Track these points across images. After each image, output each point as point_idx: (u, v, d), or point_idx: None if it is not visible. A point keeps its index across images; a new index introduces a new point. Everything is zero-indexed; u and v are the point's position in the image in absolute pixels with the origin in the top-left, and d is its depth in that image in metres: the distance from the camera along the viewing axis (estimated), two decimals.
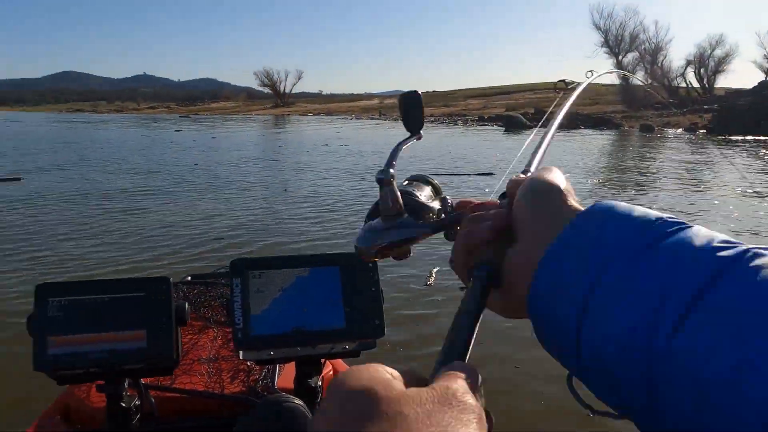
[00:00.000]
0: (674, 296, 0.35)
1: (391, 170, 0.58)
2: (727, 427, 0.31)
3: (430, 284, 4.95)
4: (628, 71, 46.35)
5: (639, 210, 0.42)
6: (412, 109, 0.65)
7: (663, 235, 0.39)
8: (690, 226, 0.39)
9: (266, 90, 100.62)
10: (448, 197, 0.67)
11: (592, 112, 39.25)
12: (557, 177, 0.52)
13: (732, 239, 0.37)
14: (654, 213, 0.41)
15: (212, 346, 1.60)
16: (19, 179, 12.03)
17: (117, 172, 13.63)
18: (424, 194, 0.64)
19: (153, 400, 1.21)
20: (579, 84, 1.08)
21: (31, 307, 1.08)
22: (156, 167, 14.46)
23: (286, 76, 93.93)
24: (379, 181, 0.58)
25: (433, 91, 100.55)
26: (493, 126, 36.37)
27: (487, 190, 10.01)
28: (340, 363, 1.59)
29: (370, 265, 1.16)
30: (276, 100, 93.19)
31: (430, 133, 29.74)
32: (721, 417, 0.31)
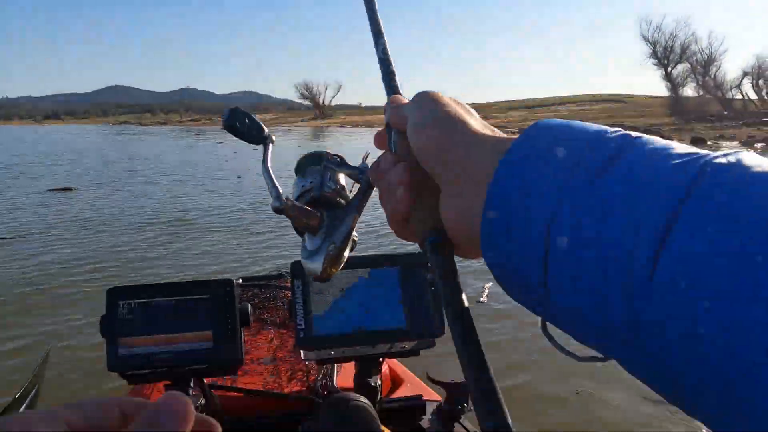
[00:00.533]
0: (653, 211, 0.29)
1: (280, 192, 0.55)
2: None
3: (482, 301, 4.67)
4: (678, 83, 45.74)
5: (578, 124, 0.37)
6: (246, 124, 0.61)
7: (623, 145, 0.34)
8: (641, 136, 0.34)
9: (306, 102, 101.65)
10: (339, 156, 0.63)
11: (638, 124, 38.42)
12: (441, 97, 0.47)
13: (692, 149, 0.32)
14: (596, 126, 0.36)
15: (269, 347, 1.65)
16: (71, 189, 12.22)
17: (163, 182, 13.81)
18: (326, 179, 0.62)
19: (218, 400, 1.23)
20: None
21: (102, 310, 1.10)
22: (201, 179, 14.58)
23: (326, 89, 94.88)
24: (277, 210, 0.56)
25: (473, 103, 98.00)
26: None
27: None
28: (397, 362, 1.62)
29: (429, 265, 1.07)
30: (315, 112, 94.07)
31: None
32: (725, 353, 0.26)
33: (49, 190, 12.10)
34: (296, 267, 1.14)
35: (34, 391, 2.01)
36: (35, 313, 4.53)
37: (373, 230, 7.49)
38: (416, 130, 0.45)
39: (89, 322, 4.12)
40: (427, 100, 0.47)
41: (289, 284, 2.19)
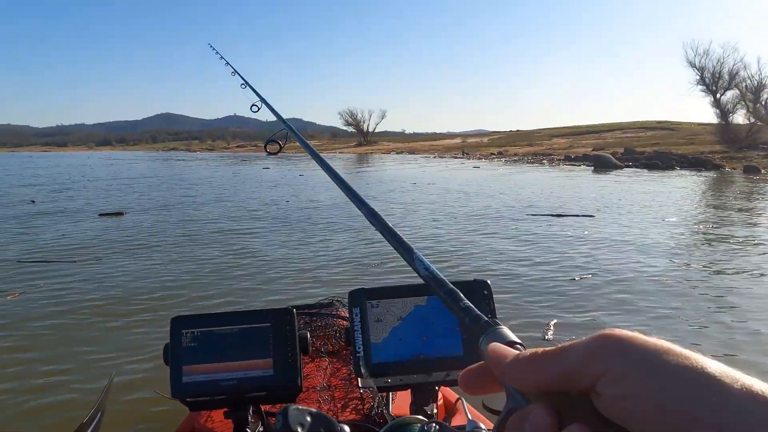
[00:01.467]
0: None
1: None
2: None
3: (549, 338, 4.48)
4: (727, 110, 44.39)
5: None
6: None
7: None
8: None
9: (350, 129, 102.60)
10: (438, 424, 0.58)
11: (687, 152, 37.51)
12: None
13: None
14: None
15: (324, 375, 1.65)
16: (121, 213, 12.52)
17: (212, 208, 13.94)
18: None
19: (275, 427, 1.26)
20: None
21: (164, 337, 1.12)
22: (249, 204, 14.71)
23: (370, 116, 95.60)
24: None
25: (517, 130, 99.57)
26: (581, 165, 35.23)
27: (586, 233, 9.48)
28: (452, 390, 1.59)
29: (486, 292, 1.15)
30: (360, 138, 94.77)
31: (515, 171, 29.19)
32: None
33: (101, 215, 12.40)
34: (354, 295, 1.14)
35: (98, 417, 2.08)
36: (98, 340, 4.59)
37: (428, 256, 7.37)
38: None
39: (151, 349, 4.18)
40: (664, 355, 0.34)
41: (341, 312, 2.20)
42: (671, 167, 31.20)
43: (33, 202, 15.47)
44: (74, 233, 9.92)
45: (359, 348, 1.10)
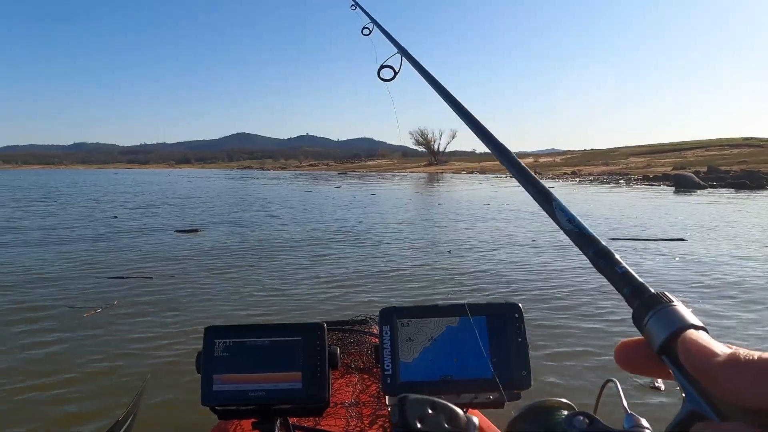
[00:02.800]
0: None
1: None
2: None
3: (657, 386, 3.92)
4: None
5: None
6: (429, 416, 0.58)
7: None
8: None
9: (420, 149, 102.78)
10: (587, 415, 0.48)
11: None
12: None
13: None
14: None
15: (353, 391, 1.67)
16: (196, 231, 12.73)
17: (284, 226, 14.02)
18: None
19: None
20: None
21: (200, 346, 1.15)
22: (321, 224, 14.73)
23: (441, 135, 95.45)
24: None
25: (591, 149, 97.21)
26: (660, 185, 33.75)
27: (677, 258, 8.86)
28: (480, 413, 1.58)
29: (516, 315, 1.14)
30: (430, 158, 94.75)
31: (588, 192, 28.24)
32: None
33: (177, 231, 12.66)
34: (385, 313, 1.13)
35: (131, 419, 2.11)
36: (137, 343, 4.86)
37: (457, 281, 7.08)
38: None
39: (187, 357, 4.34)
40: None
41: (373, 329, 2.21)
42: (762, 186, 29.44)
43: (115, 217, 16.03)
44: (151, 249, 10.12)
45: (388, 366, 1.09)
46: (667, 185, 33.18)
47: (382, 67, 1.40)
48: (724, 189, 29.14)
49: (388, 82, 1.38)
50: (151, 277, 7.54)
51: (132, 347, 4.77)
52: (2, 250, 10.06)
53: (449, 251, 9.77)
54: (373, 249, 10.10)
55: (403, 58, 1.39)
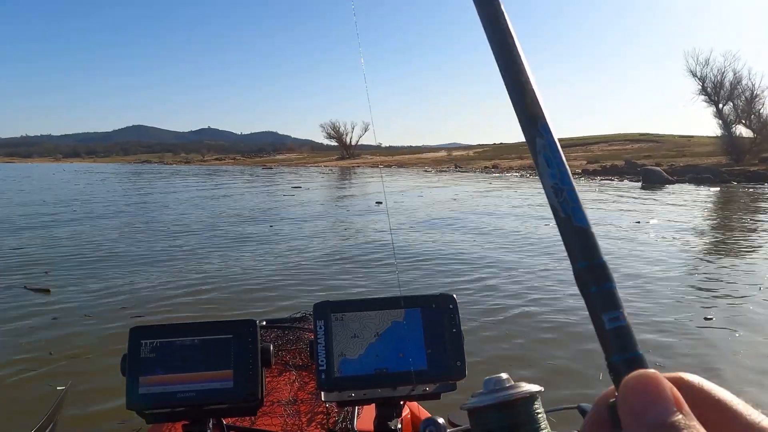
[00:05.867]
0: None
1: None
2: None
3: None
4: (730, 120, 43.03)
5: None
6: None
7: None
8: None
9: (329, 142, 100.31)
10: None
11: (699, 163, 36.04)
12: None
13: None
14: None
15: (291, 389, 1.63)
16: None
17: (176, 215, 12.16)
18: None
19: None
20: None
21: (124, 348, 1.07)
22: (232, 217, 12.56)
23: (353, 128, 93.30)
24: None
25: (501, 143, 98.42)
26: (620, 180, 32.65)
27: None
28: (418, 405, 1.56)
29: (451, 306, 1.12)
30: (342, 151, 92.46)
31: (524, 188, 27.04)
32: None
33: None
34: (319, 308, 1.11)
35: (50, 427, 2.04)
36: (57, 349, 4.57)
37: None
38: None
39: (110, 360, 3.87)
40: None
41: (312, 326, 2.29)
42: (726, 181, 29.76)
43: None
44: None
45: (322, 361, 1.06)
46: (631, 179, 32.12)
47: None
48: (686, 183, 29.09)
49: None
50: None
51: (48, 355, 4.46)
52: None
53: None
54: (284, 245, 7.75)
55: None
